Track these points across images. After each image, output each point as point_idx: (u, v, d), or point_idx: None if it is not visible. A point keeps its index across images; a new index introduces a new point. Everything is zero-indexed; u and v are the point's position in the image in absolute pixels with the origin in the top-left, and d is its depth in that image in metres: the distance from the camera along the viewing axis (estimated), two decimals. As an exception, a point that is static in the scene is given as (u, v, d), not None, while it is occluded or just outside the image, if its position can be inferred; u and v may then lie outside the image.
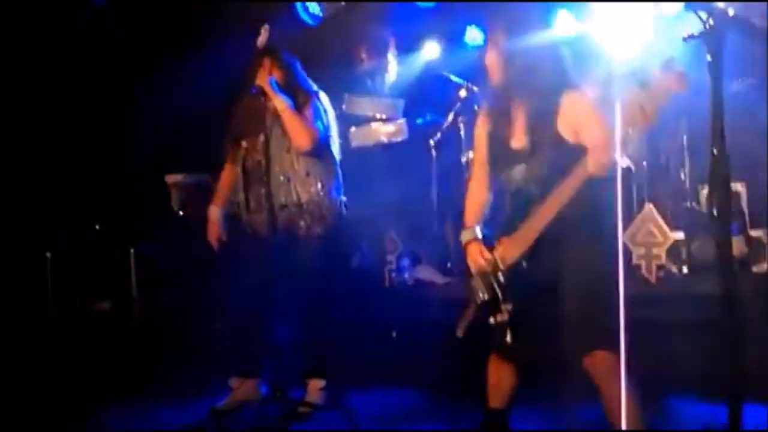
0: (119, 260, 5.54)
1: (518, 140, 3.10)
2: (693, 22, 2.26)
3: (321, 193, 4.18)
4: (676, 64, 2.54)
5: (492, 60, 3.14)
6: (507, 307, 3.03)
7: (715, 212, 2.23)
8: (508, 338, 3.04)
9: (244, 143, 4.23)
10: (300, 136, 4.09)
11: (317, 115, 4.18)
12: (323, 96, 4.30)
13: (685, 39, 2.30)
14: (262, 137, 4.18)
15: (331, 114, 4.33)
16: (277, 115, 4.14)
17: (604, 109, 2.96)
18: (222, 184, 4.39)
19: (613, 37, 5.73)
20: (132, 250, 5.46)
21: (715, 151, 2.17)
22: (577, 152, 2.93)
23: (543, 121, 3.03)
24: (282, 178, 4.16)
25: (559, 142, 2.99)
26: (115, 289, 5.58)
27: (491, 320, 3.07)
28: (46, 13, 5.81)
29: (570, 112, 3.00)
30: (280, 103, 4.08)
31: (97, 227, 5.98)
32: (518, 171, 3.07)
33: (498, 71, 3.13)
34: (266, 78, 4.11)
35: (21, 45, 5.84)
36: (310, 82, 4.31)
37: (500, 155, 3.16)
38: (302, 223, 4.15)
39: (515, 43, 3.07)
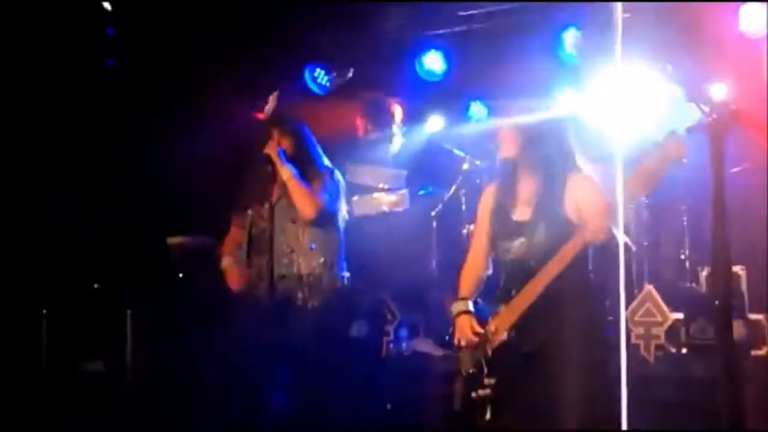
0: (116, 321, 5.50)
1: (521, 213, 3.15)
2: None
3: (323, 267, 4.17)
4: (679, 132, 2.58)
5: (504, 134, 3.19)
6: (490, 381, 3.01)
7: (716, 295, 2.24)
8: (488, 415, 3.01)
9: (250, 211, 4.25)
10: (305, 206, 4.11)
11: (326, 189, 4.20)
12: (337, 174, 4.34)
13: (688, 130, 2.37)
14: (267, 206, 4.21)
15: (343, 190, 4.36)
16: (284, 185, 4.17)
17: (606, 184, 3.01)
18: (228, 242, 4.39)
19: (615, 117, 5.83)
20: (129, 312, 5.43)
21: (716, 235, 2.19)
22: (576, 229, 2.97)
23: (547, 197, 3.08)
24: (286, 248, 4.16)
25: (561, 219, 3.03)
26: (109, 350, 5.52)
27: (473, 395, 3.05)
28: (56, 76, 5.89)
29: (574, 190, 3.06)
30: (286, 172, 4.11)
31: (95, 286, 5.96)
32: (518, 243, 3.10)
33: (509, 145, 3.18)
34: (274, 147, 4.16)
35: (22, 110, 5.91)
36: (322, 154, 4.34)
37: (502, 227, 3.19)
38: (300, 295, 4.13)
39: (526, 118, 3.13)
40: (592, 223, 2.84)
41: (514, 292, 3.03)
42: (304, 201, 4.10)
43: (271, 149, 4.14)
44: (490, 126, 3.37)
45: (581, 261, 2.98)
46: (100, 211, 6.09)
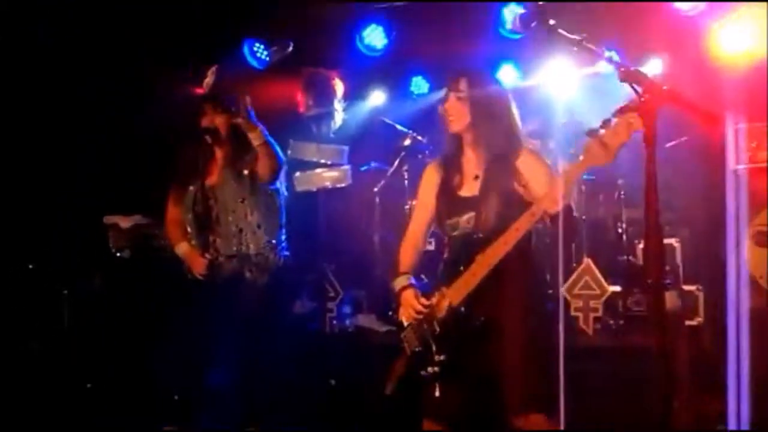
0: (52, 301, 5.39)
1: (468, 189, 3.15)
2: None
3: (269, 246, 4.18)
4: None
5: (450, 109, 3.17)
6: (439, 358, 3.02)
7: (648, 267, 2.28)
8: (437, 392, 3.03)
9: (191, 188, 4.19)
10: (273, 164, 4.08)
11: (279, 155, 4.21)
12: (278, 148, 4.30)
13: (620, 110, 2.41)
14: (212, 183, 4.17)
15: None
16: (226, 162, 4.14)
17: (552, 156, 3.04)
18: (171, 226, 4.34)
19: (555, 91, 5.90)
20: (65, 291, 5.33)
21: (648, 210, 2.24)
22: (523, 203, 3.00)
23: (496, 171, 3.10)
24: (234, 228, 4.15)
25: (510, 193, 3.05)
26: (46, 330, 5.42)
27: (422, 372, 3.06)
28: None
29: (522, 164, 3.08)
30: (258, 136, 4.03)
31: (30, 267, 5.82)
32: (465, 218, 3.11)
33: (456, 120, 3.17)
34: (216, 121, 4.10)
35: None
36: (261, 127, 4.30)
37: (448, 203, 3.19)
38: (248, 274, 4.14)
39: (474, 93, 3.13)
40: (549, 193, 2.85)
41: (462, 267, 3.03)
42: (273, 159, 4.08)
43: (242, 115, 4.07)
44: (435, 101, 3.36)
45: (525, 234, 3.01)
46: (34, 190, 5.93)
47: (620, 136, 2.66)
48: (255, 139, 4.04)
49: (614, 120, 2.65)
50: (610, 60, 2.41)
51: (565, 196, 2.84)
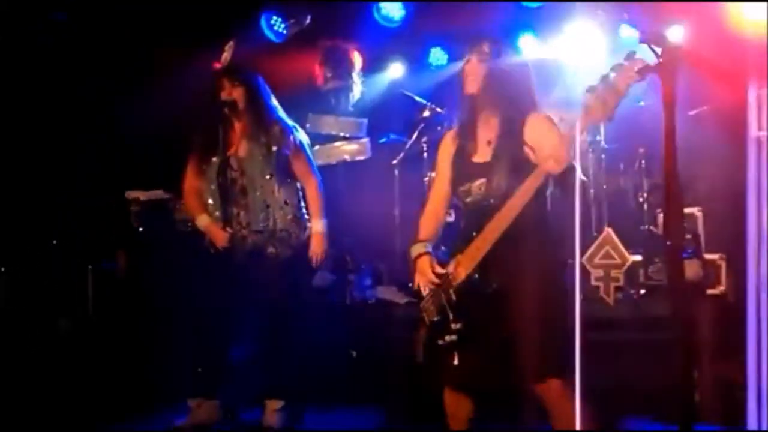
0: (77, 276, 5.46)
1: (481, 155, 3.15)
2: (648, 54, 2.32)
3: (294, 221, 4.22)
4: (636, 55, 2.57)
5: (468, 72, 3.16)
6: (457, 326, 3.03)
7: (668, 235, 2.27)
8: (456, 360, 3.04)
9: (214, 158, 4.19)
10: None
11: (311, 161, 4.31)
12: (299, 130, 4.33)
13: (639, 72, 2.37)
14: (236, 155, 4.18)
15: (308, 145, 4.36)
16: (248, 135, 4.17)
17: (564, 126, 3.02)
18: (190, 196, 4.33)
19: (574, 62, 5.84)
20: (90, 267, 5.38)
21: (667, 174, 2.22)
22: (535, 168, 2.98)
23: (507, 137, 3.08)
24: (262, 203, 4.18)
25: (520, 158, 3.04)
26: (71, 306, 5.49)
27: (440, 342, 3.07)
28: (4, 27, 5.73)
29: (532, 129, 3.07)
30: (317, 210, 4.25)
31: (54, 242, 5.89)
32: (477, 184, 3.11)
33: (472, 83, 3.15)
34: (234, 93, 4.12)
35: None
36: (278, 107, 4.30)
37: (462, 170, 3.19)
38: (271, 249, 4.16)
39: (491, 59, 3.11)
40: (552, 155, 2.83)
41: (474, 233, 3.03)
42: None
43: (236, 95, 4.11)
44: (452, 70, 3.35)
45: (540, 200, 3.00)
46: (57, 166, 5.99)
47: (618, 88, 2.63)
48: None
49: (612, 75, 2.62)
50: (630, 22, 2.38)
51: (566, 157, 2.81)
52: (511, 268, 2.97)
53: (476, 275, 3.00)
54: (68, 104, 5.97)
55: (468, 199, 3.14)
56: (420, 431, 4.20)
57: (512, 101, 3.11)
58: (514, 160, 3.04)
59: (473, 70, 3.14)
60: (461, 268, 3.04)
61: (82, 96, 5.96)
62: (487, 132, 3.16)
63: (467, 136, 3.20)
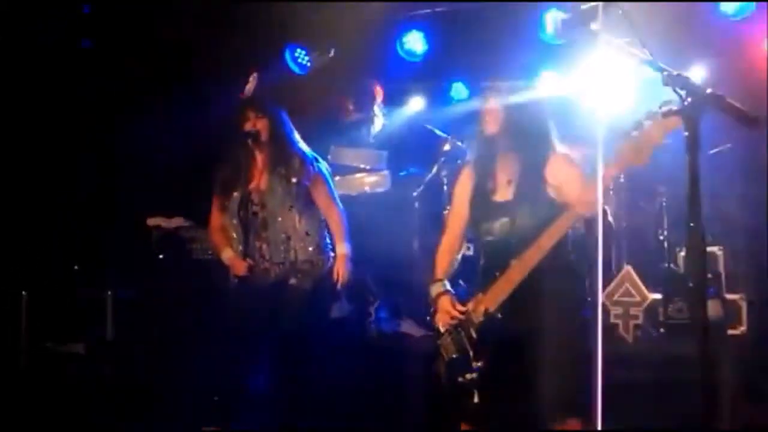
0: (96, 302, 5.48)
1: (502, 194, 3.15)
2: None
3: (316, 252, 4.23)
4: (672, 105, 2.57)
5: (487, 111, 3.17)
6: (478, 364, 3.01)
7: (691, 275, 2.25)
8: (476, 398, 3.02)
9: (236, 193, 4.23)
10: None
11: (332, 191, 4.33)
12: (320, 161, 4.36)
13: (663, 113, 2.38)
14: (257, 188, 4.21)
15: (329, 175, 4.39)
16: (269, 168, 4.19)
17: (585, 166, 3.03)
18: (216, 233, 4.36)
19: (596, 97, 5.84)
20: (109, 293, 5.41)
21: (691, 216, 2.21)
22: (558, 207, 2.99)
23: (529, 176, 3.09)
24: (283, 235, 4.19)
25: (543, 198, 3.04)
26: (90, 332, 5.51)
27: (460, 379, 3.05)
28: (31, 50, 5.84)
29: (555, 169, 3.08)
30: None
31: (75, 268, 5.93)
32: (499, 224, 3.11)
33: (492, 122, 3.16)
34: (258, 124, 4.16)
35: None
36: (299, 140, 4.33)
37: (482, 208, 3.19)
38: (293, 280, 4.17)
39: (510, 96, 3.13)
40: (583, 196, 2.84)
41: (497, 273, 3.03)
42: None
43: (260, 126, 4.15)
44: (473, 106, 3.37)
45: (563, 240, 3.00)
46: (79, 192, 6.05)
47: (653, 138, 2.65)
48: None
49: (647, 122, 2.62)
50: (654, 64, 2.39)
51: (594, 201, 2.82)
52: (533, 307, 2.96)
53: (499, 314, 2.99)
54: (91, 131, 6.05)
55: (489, 238, 3.14)
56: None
57: (532, 141, 3.12)
58: (537, 199, 3.04)
59: (492, 110, 3.16)
60: (482, 306, 3.03)
61: (105, 123, 6.03)
62: (507, 171, 3.17)
63: (486, 175, 3.21)
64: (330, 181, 4.36)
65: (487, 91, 3.21)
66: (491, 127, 3.17)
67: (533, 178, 3.09)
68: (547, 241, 2.91)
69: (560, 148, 3.19)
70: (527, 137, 3.12)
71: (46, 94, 5.94)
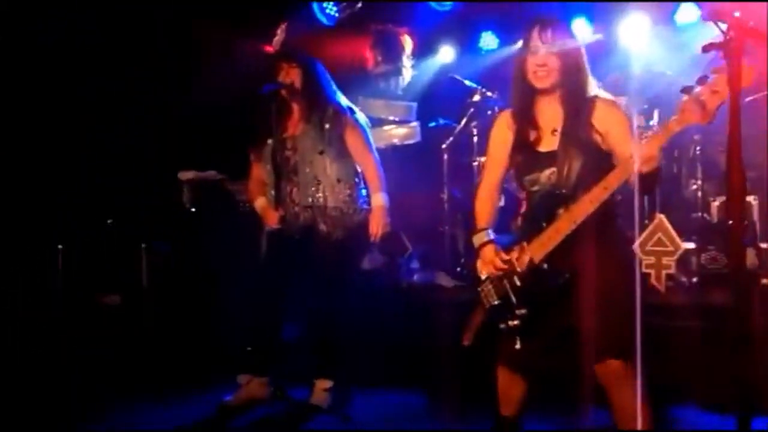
0: (130, 255, 5.57)
1: (546, 144, 3.11)
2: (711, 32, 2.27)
3: (347, 201, 4.24)
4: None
5: (529, 56, 3.07)
6: (520, 312, 3.02)
7: (730, 224, 2.22)
8: (518, 344, 3.05)
9: (269, 141, 4.26)
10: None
11: (369, 142, 4.30)
12: (358, 112, 4.36)
13: (704, 48, 2.31)
14: (291, 135, 4.23)
15: (368, 126, 4.38)
16: (304, 116, 4.20)
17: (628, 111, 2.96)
18: (253, 182, 4.43)
19: (632, 44, 5.76)
20: (143, 245, 5.49)
21: (731, 160, 2.17)
22: (604, 156, 2.97)
23: (574, 124, 3.04)
24: (312, 179, 4.21)
25: (590, 146, 3.00)
26: (125, 284, 5.60)
27: (501, 326, 3.07)
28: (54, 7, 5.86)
29: (601, 116, 3.02)
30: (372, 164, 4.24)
31: (109, 222, 6.01)
32: (546, 174, 3.06)
33: (548, 74, 3.06)
34: (291, 74, 4.15)
35: (30, 39, 5.88)
36: (337, 91, 4.32)
37: (526, 158, 3.15)
38: (323, 227, 4.19)
39: (554, 43, 3.05)
40: (642, 153, 2.76)
41: (544, 223, 3.01)
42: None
43: (293, 76, 4.14)
44: (504, 56, 3.31)
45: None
46: (112, 147, 6.11)
47: (719, 94, 2.55)
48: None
49: (712, 76, 2.54)
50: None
51: (655, 158, 2.78)
52: (580, 257, 2.94)
53: (545, 265, 2.99)
54: (123, 86, 6.08)
55: (535, 188, 3.10)
56: (463, 413, 4.20)
57: (578, 87, 3.06)
58: (584, 148, 2.99)
59: (547, 61, 3.05)
60: (527, 255, 3.02)
61: (136, 78, 6.06)
62: (550, 120, 3.10)
63: (527, 124, 3.14)
64: (367, 132, 4.34)
65: (527, 35, 3.09)
66: (547, 79, 3.08)
67: (578, 126, 3.02)
68: (599, 195, 2.87)
69: (603, 94, 3.13)
70: (573, 83, 3.06)
71: (80, 51, 5.96)
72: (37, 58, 5.89)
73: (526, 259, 3.03)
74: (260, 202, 4.33)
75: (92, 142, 6.06)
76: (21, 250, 5.65)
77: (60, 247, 5.64)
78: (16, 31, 5.67)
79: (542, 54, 3.04)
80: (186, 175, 5.85)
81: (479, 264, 3.18)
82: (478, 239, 3.22)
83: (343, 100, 4.32)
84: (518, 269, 3.05)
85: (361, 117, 4.34)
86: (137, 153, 6.08)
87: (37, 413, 4.33)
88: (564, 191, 3.01)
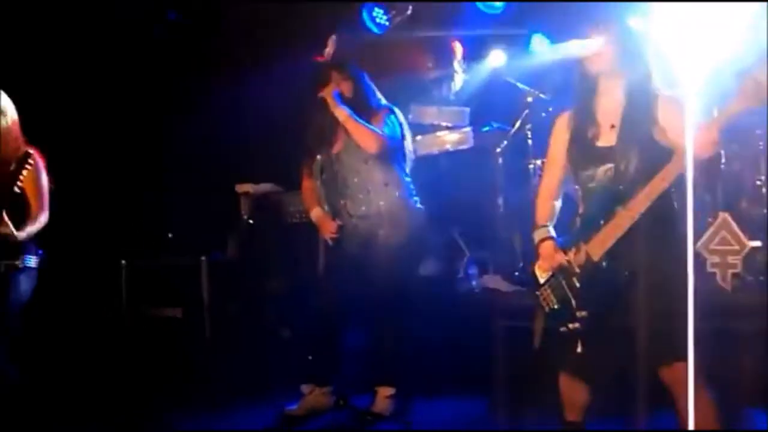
0: (190, 268, 5.65)
1: (605, 139, 3.06)
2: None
3: (399, 201, 4.24)
4: None
5: (590, 51, 3.03)
6: (581, 314, 2.97)
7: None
8: (579, 348, 3.00)
9: (318, 156, 4.31)
10: (367, 140, 4.17)
11: (386, 123, 4.25)
12: (396, 111, 4.36)
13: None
14: (336, 148, 4.27)
15: (406, 127, 4.39)
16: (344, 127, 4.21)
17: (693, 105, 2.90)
18: (307, 194, 4.49)
19: (691, 37, 5.63)
20: (203, 258, 5.57)
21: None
22: (665, 151, 2.90)
23: (634, 119, 2.99)
24: (362, 189, 4.23)
25: (650, 141, 2.95)
26: (186, 297, 5.69)
27: (562, 329, 3.02)
28: (119, 20, 6.00)
29: (661, 111, 2.96)
30: (342, 113, 4.15)
31: (170, 236, 6.12)
32: (603, 170, 3.02)
33: (595, 63, 3.03)
34: (330, 90, 4.17)
35: (97, 52, 6.03)
36: (379, 95, 4.36)
37: (583, 154, 3.11)
38: (381, 232, 4.21)
39: (614, 37, 3.02)
40: (698, 139, 2.70)
41: (602, 220, 2.96)
42: (365, 137, 4.16)
43: (326, 92, 4.16)
44: (556, 58, 3.27)
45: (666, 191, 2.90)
46: (170, 163, 6.22)
47: None
48: (340, 117, 4.15)
49: None
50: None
51: (715, 142, 2.71)
52: (641, 254, 2.88)
53: (604, 263, 2.94)
54: (180, 100, 6.19)
55: (592, 185, 3.05)
56: (524, 419, 4.16)
57: (638, 83, 3.01)
58: (643, 143, 2.94)
59: (596, 50, 3.02)
60: (584, 255, 2.98)
61: (193, 92, 6.16)
62: (609, 115, 3.06)
63: (587, 120, 3.10)
64: (405, 132, 4.35)
65: (587, 31, 3.06)
66: (595, 69, 3.05)
67: (638, 121, 2.97)
68: (656, 188, 2.82)
69: (665, 89, 3.06)
70: (633, 79, 3.01)
71: (137, 66, 6.09)
72: (93, 78, 6.04)
73: (583, 258, 2.98)
74: (316, 212, 4.38)
75: (153, 157, 6.18)
76: (86, 265, 5.79)
77: (123, 262, 5.76)
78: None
79: (595, 42, 3.01)
80: (243, 188, 5.93)
81: (539, 262, 3.15)
82: (538, 235, 3.19)
83: (383, 101, 4.35)
84: (576, 270, 3.00)
85: (401, 118, 4.36)
86: (195, 167, 6.18)
87: (100, 425, 4.42)
88: (621, 187, 2.96)
